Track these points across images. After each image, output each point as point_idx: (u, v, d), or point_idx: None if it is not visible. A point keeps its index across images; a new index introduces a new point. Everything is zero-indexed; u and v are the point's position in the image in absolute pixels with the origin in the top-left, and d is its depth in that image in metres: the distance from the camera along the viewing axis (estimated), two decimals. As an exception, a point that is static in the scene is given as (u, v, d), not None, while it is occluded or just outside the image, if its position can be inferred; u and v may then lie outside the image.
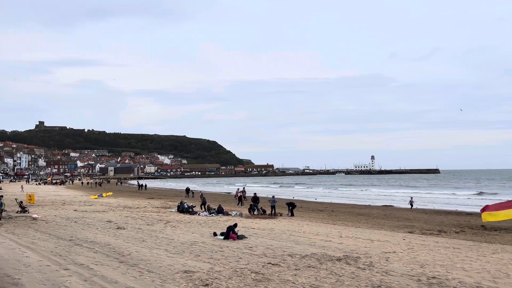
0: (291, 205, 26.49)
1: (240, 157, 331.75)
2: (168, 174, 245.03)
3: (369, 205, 41.49)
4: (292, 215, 25.67)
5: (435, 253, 12.54)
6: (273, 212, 26.25)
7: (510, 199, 17.42)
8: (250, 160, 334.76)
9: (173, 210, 27.02)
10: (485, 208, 17.17)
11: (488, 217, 16.85)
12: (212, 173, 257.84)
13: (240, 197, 35.47)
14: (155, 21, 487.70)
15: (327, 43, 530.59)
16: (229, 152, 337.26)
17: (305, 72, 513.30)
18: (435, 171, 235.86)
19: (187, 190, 49.78)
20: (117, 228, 17.23)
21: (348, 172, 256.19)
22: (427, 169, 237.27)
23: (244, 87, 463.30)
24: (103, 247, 12.54)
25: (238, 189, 40.78)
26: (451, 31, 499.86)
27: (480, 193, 59.68)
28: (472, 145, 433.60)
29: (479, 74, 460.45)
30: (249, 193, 37.64)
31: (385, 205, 41.22)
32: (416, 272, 9.61)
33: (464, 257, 11.99)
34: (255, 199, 28.20)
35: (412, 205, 35.81)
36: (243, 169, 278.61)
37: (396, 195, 59.19)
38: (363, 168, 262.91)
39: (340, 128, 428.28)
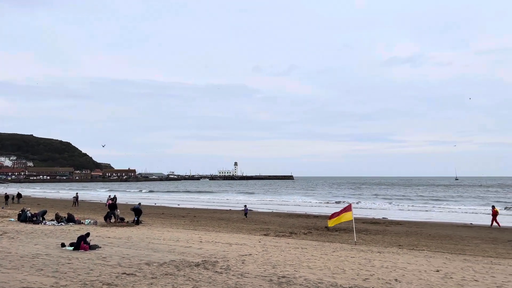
0: (137, 211, 24.51)
1: (98, 161, 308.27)
2: (9, 178, 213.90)
3: (230, 209, 42.86)
4: (138, 223, 23.73)
5: (286, 254, 13.55)
6: (135, 219, 24.98)
7: (347, 205, 19.89)
8: (109, 164, 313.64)
9: (12, 219, 23.59)
10: (330, 217, 19.41)
11: (331, 223, 19.05)
12: (64, 177, 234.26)
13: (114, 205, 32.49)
14: (4, 2, 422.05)
15: (188, 49, 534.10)
16: (85, 155, 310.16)
17: (173, 75, 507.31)
18: (290, 177, 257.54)
19: (6, 196, 42.83)
20: None
21: (212, 178, 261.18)
22: (283, 176, 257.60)
23: (106, 85, 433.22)
24: None
25: (109, 196, 37.61)
26: (305, 51, 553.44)
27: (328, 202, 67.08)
28: (321, 154, 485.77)
29: (326, 93, 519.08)
30: (120, 201, 35.14)
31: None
32: (269, 272, 10.22)
33: (310, 256, 13.23)
34: (112, 206, 26.52)
35: (246, 213, 33.71)
36: (101, 173, 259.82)
37: (253, 201, 62.47)
38: (226, 174, 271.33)
39: (207, 134, 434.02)
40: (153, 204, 50.21)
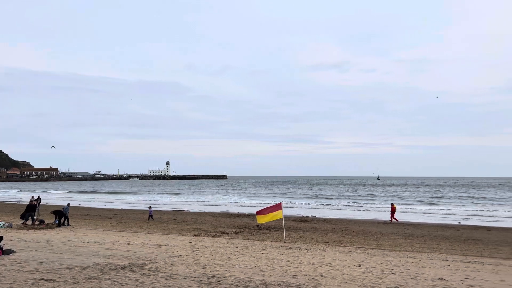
0: (59, 214, 23.16)
1: (16, 159, 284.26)
2: None
3: (161, 210, 41.82)
4: (59, 225, 22.60)
5: (217, 253, 13.53)
6: (65, 222, 23.40)
7: (277, 203, 20.35)
8: (28, 162, 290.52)
9: None
10: (258, 212, 19.68)
11: (261, 219, 19.34)
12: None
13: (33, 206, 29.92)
14: None
15: (124, 43, 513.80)
16: (0, 151, 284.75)
17: (101, 70, 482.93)
18: (224, 177, 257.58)
19: None
20: None
21: (142, 177, 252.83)
22: (217, 175, 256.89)
23: (24, 77, 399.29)
24: None
25: (32, 196, 34.50)
26: (239, 52, 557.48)
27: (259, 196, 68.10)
28: (253, 154, 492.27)
29: (258, 94, 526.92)
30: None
31: (176, 210, 42.35)
32: (199, 273, 10.12)
33: (241, 255, 13.33)
34: (31, 207, 24.62)
35: (151, 215, 30.32)
36: (18, 172, 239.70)
37: (186, 201, 61.58)
38: (157, 174, 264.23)
39: (137, 132, 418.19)
40: (77, 205, 47.47)
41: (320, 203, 53.71)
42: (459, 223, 30.80)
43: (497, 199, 60.75)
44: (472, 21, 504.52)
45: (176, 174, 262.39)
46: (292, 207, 46.60)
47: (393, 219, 31.04)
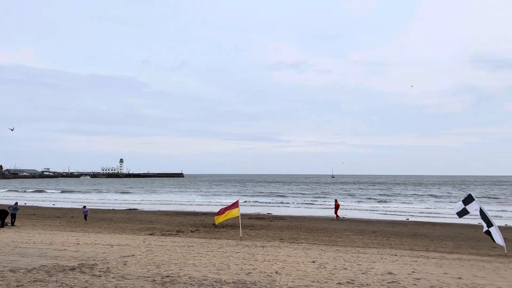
0: (2, 213, 22.02)
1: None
2: None
3: (113, 209, 40.59)
4: (2, 226, 21.58)
5: (172, 253, 13.31)
6: (9, 222, 22.05)
7: (232, 203, 20.37)
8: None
9: None
10: (218, 213, 19.64)
11: (217, 219, 19.32)
12: None
13: None
14: None
15: (79, 36, 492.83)
16: None
17: (51, 62, 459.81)
18: (180, 175, 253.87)
19: None
20: None
21: (94, 175, 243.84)
22: (173, 173, 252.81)
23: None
24: None
25: None
26: (197, 49, 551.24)
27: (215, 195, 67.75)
28: (211, 152, 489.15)
29: (217, 91, 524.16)
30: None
31: (129, 209, 41.26)
32: (152, 273, 9.90)
33: (196, 254, 13.20)
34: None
35: (85, 215, 28.15)
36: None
37: (140, 200, 60.16)
38: (110, 171, 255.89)
39: (89, 128, 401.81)
40: (23, 204, 45.02)
41: (277, 201, 54.33)
42: (407, 219, 32.27)
43: (444, 197, 64.27)
44: (425, 26, 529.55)
45: (130, 172, 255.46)
46: (250, 205, 46.80)
47: (337, 215, 32.00)
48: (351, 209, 42.33)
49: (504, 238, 15.37)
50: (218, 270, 10.45)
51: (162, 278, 9.26)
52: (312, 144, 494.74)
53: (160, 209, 40.88)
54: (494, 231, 15.33)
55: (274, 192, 76.90)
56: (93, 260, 11.55)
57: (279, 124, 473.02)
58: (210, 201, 54.17)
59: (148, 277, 9.42)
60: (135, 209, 41.38)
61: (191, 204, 49.42)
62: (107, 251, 13.40)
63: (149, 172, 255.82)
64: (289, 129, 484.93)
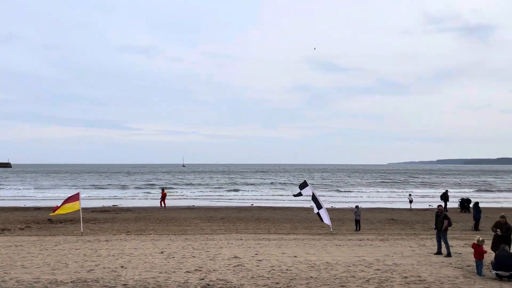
0: None
1: None
2: None
3: None
4: None
5: (-6, 255, 11.43)
6: None
7: (72, 195, 18.67)
8: None
9: None
10: (55, 208, 17.67)
11: (54, 213, 17.49)
12: None
13: None
14: None
15: None
16: None
17: None
18: (7, 165, 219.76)
19: None
20: None
21: None
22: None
23: None
24: None
25: None
26: (29, 21, 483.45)
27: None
28: (48, 139, 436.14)
29: (54, 71, 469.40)
30: None
31: None
32: (-34, 281, 8.32)
33: (26, 254, 11.65)
34: None
35: None
36: None
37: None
38: None
39: None
40: None
41: (125, 193, 51.78)
42: (252, 205, 34.53)
43: (287, 184, 70.86)
44: (275, 27, 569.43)
45: None
46: (94, 198, 43.44)
47: (162, 204, 31.92)
48: (203, 199, 43.21)
49: (330, 218, 17.75)
50: (53, 270, 9.41)
51: (-20, 286, 7.87)
52: (163, 132, 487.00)
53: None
54: (322, 212, 17.59)
55: (121, 184, 73.09)
56: None
57: (128, 111, 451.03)
58: (44, 195, 48.36)
59: (-40, 286, 7.89)
60: None
61: (21, 199, 43.32)
62: None
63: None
64: (139, 117, 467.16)
